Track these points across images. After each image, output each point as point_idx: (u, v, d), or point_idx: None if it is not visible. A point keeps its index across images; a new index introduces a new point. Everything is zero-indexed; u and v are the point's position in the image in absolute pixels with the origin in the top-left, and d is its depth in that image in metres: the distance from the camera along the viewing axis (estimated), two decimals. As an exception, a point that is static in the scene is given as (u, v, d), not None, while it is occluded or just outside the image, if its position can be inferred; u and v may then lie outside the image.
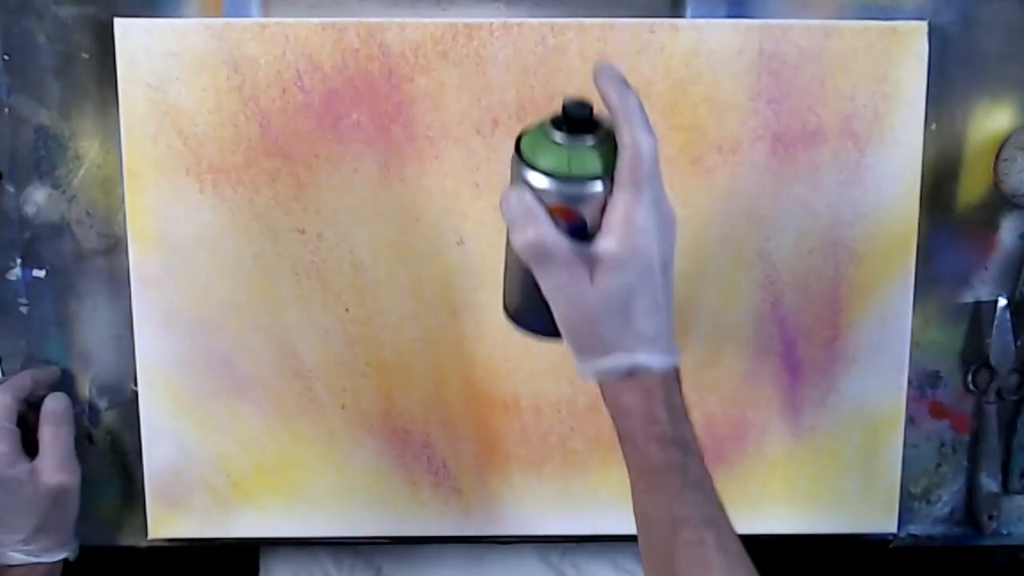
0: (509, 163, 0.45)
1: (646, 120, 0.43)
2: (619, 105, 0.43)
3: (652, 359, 0.46)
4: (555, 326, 0.47)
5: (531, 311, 0.49)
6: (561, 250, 0.44)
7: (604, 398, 0.48)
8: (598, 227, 0.44)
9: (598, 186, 0.44)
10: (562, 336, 0.47)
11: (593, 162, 0.43)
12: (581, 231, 0.44)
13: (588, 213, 0.44)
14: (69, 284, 0.64)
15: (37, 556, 0.60)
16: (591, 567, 0.74)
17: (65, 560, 0.62)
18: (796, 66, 0.62)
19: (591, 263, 0.44)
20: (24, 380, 0.62)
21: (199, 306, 0.63)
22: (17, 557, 0.59)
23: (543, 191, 0.44)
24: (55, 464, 0.60)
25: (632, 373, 0.46)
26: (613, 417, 0.48)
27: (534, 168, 0.44)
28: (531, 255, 0.45)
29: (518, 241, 0.44)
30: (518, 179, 0.45)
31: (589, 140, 0.44)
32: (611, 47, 0.61)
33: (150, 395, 0.64)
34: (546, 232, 0.44)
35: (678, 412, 0.46)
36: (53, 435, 0.61)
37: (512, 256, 0.48)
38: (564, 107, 0.44)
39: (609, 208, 0.44)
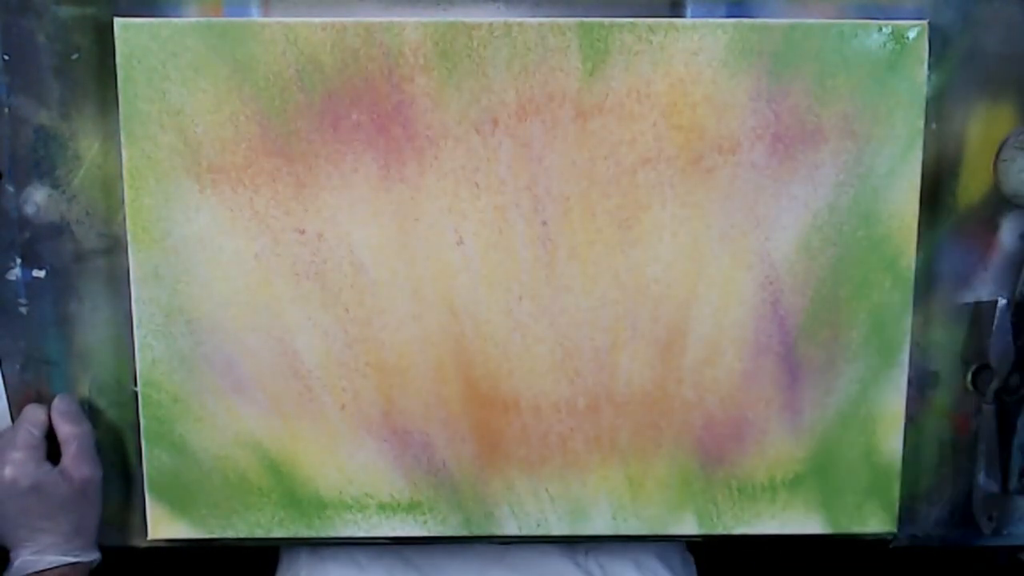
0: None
1: None
2: None
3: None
4: None
5: None
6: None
7: None
8: None
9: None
10: None
11: None
12: None
13: None
14: (69, 284, 0.64)
15: (76, 556, 0.60)
16: (614, 566, 0.74)
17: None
18: (796, 66, 0.62)
19: None
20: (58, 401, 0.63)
21: (199, 306, 0.63)
22: (56, 559, 0.59)
23: None
24: (80, 458, 0.61)
25: None
26: None
27: None
28: None
29: None
30: None
31: None
32: (611, 47, 0.61)
33: (150, 395, 0.64)
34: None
35: None
36: (72, 432, 0.62)
37: None
38: None
39: None
